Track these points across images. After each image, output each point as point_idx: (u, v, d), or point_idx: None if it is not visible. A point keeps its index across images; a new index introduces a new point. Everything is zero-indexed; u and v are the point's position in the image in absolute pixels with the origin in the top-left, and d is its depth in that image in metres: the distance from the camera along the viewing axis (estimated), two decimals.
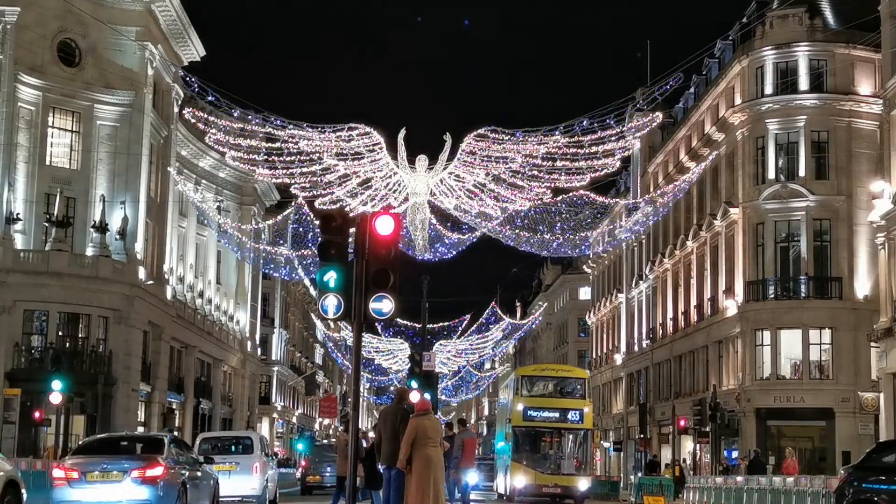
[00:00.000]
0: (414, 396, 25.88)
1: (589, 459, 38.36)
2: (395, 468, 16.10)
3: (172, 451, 18.86)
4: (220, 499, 21.93)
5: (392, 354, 74.47)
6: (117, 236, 47.43)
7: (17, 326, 45.02)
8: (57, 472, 18.06)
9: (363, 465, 18.66)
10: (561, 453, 36.46)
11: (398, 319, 59.09)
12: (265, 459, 27.15)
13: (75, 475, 17.70)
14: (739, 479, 29.86)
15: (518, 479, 35.29)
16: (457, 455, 23.95)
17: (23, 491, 14.85)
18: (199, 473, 19.79)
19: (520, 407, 36.25)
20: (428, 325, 51.28)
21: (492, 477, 45.72)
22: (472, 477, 28.69)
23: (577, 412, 36.16)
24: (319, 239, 16.66)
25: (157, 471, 17.75)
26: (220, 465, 23.83)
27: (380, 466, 17.35)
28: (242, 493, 25.78)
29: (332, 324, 72.42)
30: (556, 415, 36.14)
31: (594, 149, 32.12)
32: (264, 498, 26.65)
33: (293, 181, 34.00)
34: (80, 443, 22.74)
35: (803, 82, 47.82)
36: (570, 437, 36.48)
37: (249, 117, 32.83)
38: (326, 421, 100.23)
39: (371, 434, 20.15)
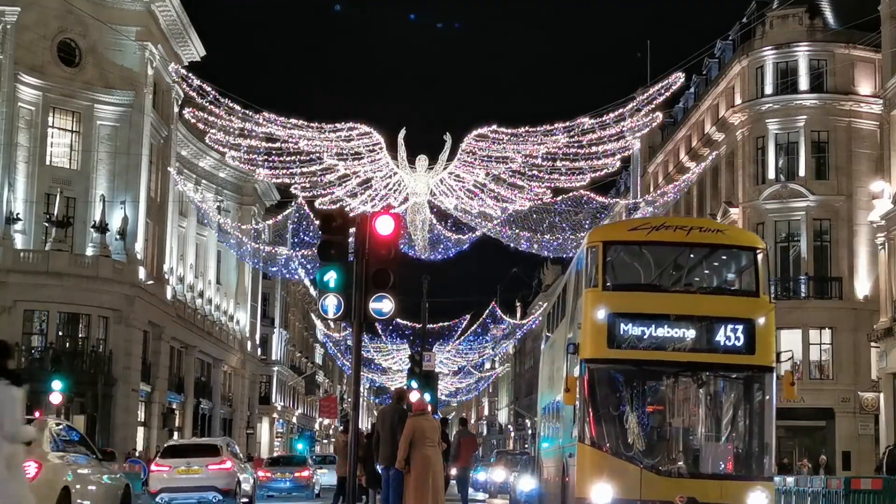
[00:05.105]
0: (413, 396, 25.93)
1: (770, 439, 15.91)
2: (394, 468, 16.11)
3: (309, 462, 39.81)
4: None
5: (392, 354, 74.50)
6: (117, 236, 47.43)
7: (17, 326, 44.97)
8: (262, 473, 33.52)
9: (363, 466, 18.68)
10: (701, 429, 16.27)
11: (398, 319, 59.11)
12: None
13: (270, 475, 35.98)
14: None
15: (599, 490, 15.31)
16: (453, 455, 23.89)
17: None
18: (314, 472, 39.50)
19: (601, 314, 15.59)
20: (428, 325, 51.16)
21: None
22: (525, 482, 28.22)
23: (740, 327, 15.60)
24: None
25: (306, 472, 36.70)
26: (321, 468, 43.56)
27: (378, 467, 17.36)
28: (332, 483, 47.27)
29: (332, 324, 72.39)
30: (690, 333, 15.67)
31: (594, 149, 32.17)
32: None
33: (293, 181, 34.03)
34: (266, 458, 41.71)
35: (803, 82, 47.79)
36: (724, 388, 16.33)
37: (249, 115, 32.85)
38: (326, 421, 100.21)
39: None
